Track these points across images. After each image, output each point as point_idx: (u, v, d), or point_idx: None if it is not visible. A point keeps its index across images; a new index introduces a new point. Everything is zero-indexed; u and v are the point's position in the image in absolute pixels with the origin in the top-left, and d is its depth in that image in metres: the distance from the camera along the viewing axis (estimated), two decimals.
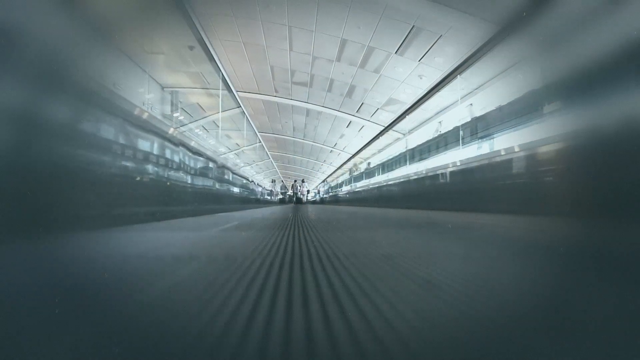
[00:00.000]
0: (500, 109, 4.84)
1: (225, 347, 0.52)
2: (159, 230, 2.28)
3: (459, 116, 6.42)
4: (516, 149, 3.70)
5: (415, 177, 6.37)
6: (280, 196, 21.64)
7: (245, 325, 0.60)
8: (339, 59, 6.30)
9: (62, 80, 1.38)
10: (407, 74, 6.02)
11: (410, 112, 7.22)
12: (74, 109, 1.54)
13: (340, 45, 5.72)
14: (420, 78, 5.95)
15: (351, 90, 7.59)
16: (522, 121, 4.08)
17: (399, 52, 5.41)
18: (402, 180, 7.30)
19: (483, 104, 5.61)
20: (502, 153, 3.95)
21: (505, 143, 4.51)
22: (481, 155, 4.50)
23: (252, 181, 11.04)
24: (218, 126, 9.97)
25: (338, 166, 16.43)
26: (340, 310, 0.68)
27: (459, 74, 5.38)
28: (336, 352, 0.51)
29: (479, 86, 5.45)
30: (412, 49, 5.24)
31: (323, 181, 22.97)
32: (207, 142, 8.99)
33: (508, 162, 3.70)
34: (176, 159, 3.57)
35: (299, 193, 22.00)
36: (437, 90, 6.00)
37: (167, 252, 1.48)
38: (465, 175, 4.64)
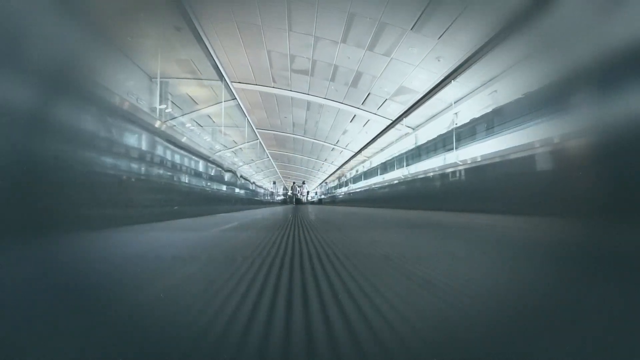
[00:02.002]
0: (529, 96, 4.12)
1: (225, 346, 0.52)
2: (169, 229, 2.31)
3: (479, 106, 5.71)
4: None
5: (423, 175, 5.94)
6: (281, 197, 23.27)
7: (246, 324, 0.60)
8: (344, 40, 5.56)
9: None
10: (423, 56, 5.28)
11: (424, 101, 6.48)
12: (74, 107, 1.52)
13: (347, 22, 4.98)
14: (439, 60, 5.21)
15: (357, 78, 6.85)
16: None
17: (415, 28, 4.66)
18: (408, 179, 6.74)
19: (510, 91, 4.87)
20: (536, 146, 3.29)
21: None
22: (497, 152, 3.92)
23: (254, 182, 10.47)
24: (214, 122, 9.26)
25: (339, 166, 15.77)
26: (340, 310, 0.67)
27: (483, 55, 4.64)
28: (336, 352, 0.50)
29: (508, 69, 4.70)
30: (431, 24, 4.50)
31: (322, 183, 23.60)
32: (202, 140, 8.24)
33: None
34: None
35: (299, 194, 24.44)
36: (458, 75, 5.26)
37: (182, 247, 1.54)
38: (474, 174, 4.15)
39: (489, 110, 5.11)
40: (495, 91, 5.31)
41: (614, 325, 0.61)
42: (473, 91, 5.74)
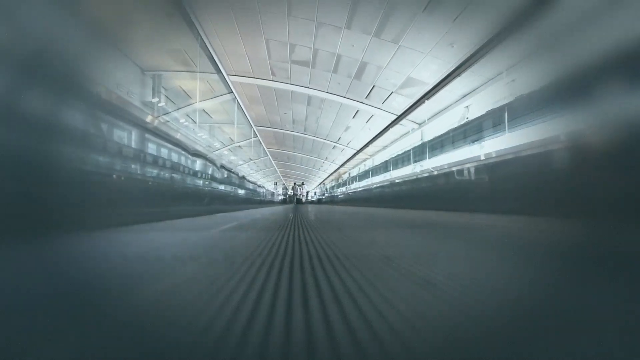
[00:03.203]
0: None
1: (225, 347, 0.52)
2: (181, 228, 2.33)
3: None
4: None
5: (428, 174, 5.67)
6: (281, 196, 24.46)
7: (246, 325, 0.61)
8: (349, 26, 5.12)
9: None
10: (434, 42, 4.83)
11: (435, 92, 6.03)
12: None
13: (351, 4, 4.54)
14: (452, 46, 4.76)
15: (361, 69, 6.40)
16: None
17: (427, 9, 4.22)
18: (411, 178, 6.33)
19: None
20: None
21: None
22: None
23: (243, 176, 10.05)
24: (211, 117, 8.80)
25: (340, 165, 15.36)
26: (340, 310, 0.67)
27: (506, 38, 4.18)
28: (336, 352, 0.50)
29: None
30: (446, 3, 4.05)
31: (320, 183, 24.18)
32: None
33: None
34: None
35: (299, 194, 25.93)
36: (473, 64, 4.81)
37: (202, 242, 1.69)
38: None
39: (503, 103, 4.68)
40: (513, 80, 4.87)
41: (615, 325, 0.60)
42: (485, 83, 5.30)
